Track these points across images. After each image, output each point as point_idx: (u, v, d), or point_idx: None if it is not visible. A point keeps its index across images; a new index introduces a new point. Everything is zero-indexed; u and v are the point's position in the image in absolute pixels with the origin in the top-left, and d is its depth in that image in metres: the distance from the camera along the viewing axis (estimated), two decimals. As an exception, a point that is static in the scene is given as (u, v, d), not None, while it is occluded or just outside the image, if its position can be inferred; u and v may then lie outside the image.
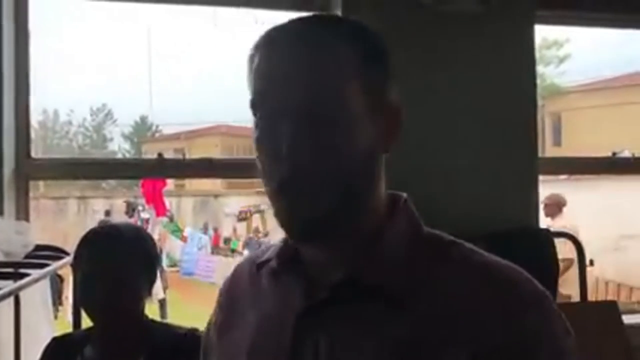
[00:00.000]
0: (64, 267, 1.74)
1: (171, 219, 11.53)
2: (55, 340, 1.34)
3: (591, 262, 2.10)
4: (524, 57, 2.15)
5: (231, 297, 0.82)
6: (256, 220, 13.82)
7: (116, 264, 1.21)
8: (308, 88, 0.64)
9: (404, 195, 0.74)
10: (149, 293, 1.30)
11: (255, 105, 0.68)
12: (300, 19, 0.70)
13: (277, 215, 0.68)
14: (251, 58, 0.70)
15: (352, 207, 0.68)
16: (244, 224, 13.91)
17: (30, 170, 2.00)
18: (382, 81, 0.69)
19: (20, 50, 1.98)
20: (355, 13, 1.96)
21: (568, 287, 3.02)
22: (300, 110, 0.64)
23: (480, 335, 0.62)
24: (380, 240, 0.69)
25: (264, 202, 14.38)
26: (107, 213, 11.41)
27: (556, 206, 5.48)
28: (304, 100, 0.64)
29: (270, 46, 0.68)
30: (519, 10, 2.12)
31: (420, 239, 0.71)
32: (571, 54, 16.30)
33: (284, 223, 0.68)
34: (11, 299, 1.53)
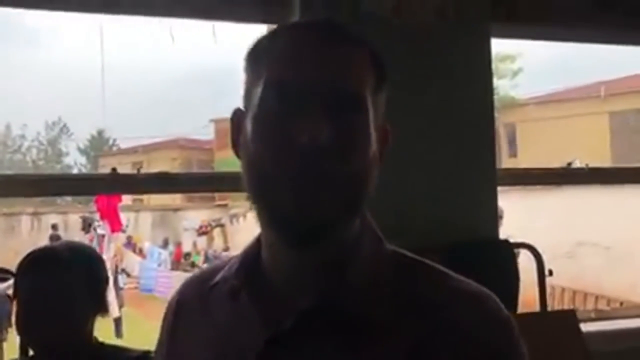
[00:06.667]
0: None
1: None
2: (-3, 369, 1.27)
3: (550, 272, 2.13)
4: (481, 69, 2.18)
5: (179, 319, 0.76)
6: (216, 235, 13.67)
7: (51, 293, 1.15)
8: (338, 76, 0.63)
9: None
10: (96, 314, 1.24)
11: (274, 88, 0.64)
12: (319, 21, 0.69)
13: (277, 206, 0.62)
14: (262, 49, 0.68)
15: (353, 214, 0.66)
16: (204, 238, 13.74)
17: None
18: (382, 102, 0.70)
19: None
20: (314, 25, 1.95)
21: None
22: (328, 97, 0.62)
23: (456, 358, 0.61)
24: (354, 260, 0.66)
25: (224, 216, 14.27)
26: (55, 227, 11.09)
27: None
28: (333, 88, 0.63)
29: (297, 35, 0.67)
30: (475, 24, 2.14)
31: (386, 258, 0.69)
32: (524, 68, 16.85)
33: (286, 216, 0.62)
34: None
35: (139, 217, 14.21)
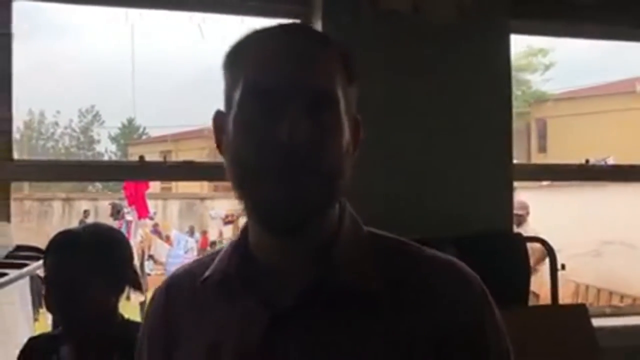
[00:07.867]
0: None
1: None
2: (31, 340, 1.36)
3: (563, 267, 2.16)
4: (500, 65, 2.20)
5: (171, 313, 0.79)
6: (241, 224, 13.77)
7: (71, 272, 1.23)
8: (309, 76, 0.68)
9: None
10: (119, 293, 1.32)
11: (251, 91, 0.68)
12: (289, 25, 0.74)
13: (261, 201, 0.68)
14: (238, 54, 0.72)
15: (332, 202, 0.71)
16: (230, 227, 13.87)
17: (11, 172, 2.01)
18: (353, 97, 0.74)
19: (3, 54, 1.99)
20: (335, 21, 2.00)
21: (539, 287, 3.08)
22: (302, 97, 0.67)
23: (442, 328, 0.68)
24: (339, 242, 0.72)
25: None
26: (86, 213, 11.37)
27: (525, 213, 5.55)
28: (306, 88, 0.67)
29: (270, 40, 0.71)
30: (494, 20, 2.16)
31: (365, 237, 0.75)
32: (557, 62, 16.47)
33: (270, 209, 0.67)
34: (-11, 299, 1.54)
35: (166, 205, 14.43)
